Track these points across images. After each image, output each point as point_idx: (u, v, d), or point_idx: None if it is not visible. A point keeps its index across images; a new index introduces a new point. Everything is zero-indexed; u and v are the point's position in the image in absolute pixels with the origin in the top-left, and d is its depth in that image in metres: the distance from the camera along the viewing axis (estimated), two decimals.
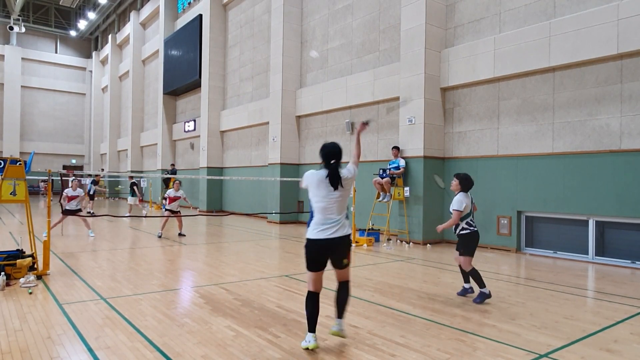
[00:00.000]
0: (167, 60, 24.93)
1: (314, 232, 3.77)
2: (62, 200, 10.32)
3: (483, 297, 5.38)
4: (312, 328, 3.80)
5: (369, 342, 4.04)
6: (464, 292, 5.74)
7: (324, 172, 3.81)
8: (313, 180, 3.82)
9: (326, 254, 3.82)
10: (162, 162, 25.49)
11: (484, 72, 9.96)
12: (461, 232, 5.55)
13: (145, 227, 13.82)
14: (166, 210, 11.53)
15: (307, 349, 3.78)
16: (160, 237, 11.15)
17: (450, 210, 5.52)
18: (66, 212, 10.51)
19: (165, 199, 11.77)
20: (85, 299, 5.32)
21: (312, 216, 3.82)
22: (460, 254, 5.61)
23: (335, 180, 3.75)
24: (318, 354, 3.73)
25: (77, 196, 10.84)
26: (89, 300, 5.30)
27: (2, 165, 6.54)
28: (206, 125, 20.55)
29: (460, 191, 5.56)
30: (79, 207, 11.05)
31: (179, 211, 11.65)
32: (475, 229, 5.57)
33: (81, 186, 11.50)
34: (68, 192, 10.69)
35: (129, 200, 17.67)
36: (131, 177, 18.54)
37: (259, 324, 4.51)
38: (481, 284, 5.42)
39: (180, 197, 11.35)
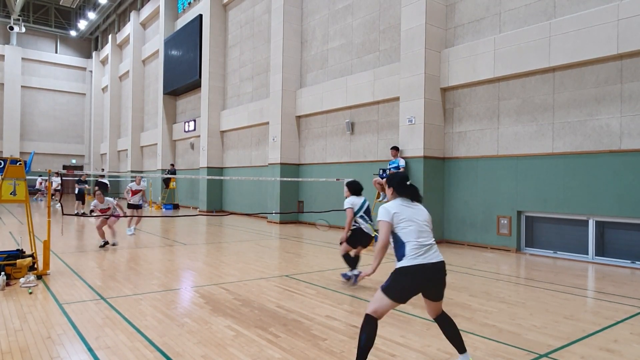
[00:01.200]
0: (167, 60, 24.93)
1: (411, 258, 3.18)
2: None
3: (346, 277, 6.40)
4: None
5: None
6: (346, 277, 6.47)
7: (404, 200, 3.41)
8: (400, 207, 3.36)
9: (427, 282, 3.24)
10: (162, 162, 25.49)
11: (484, 72, 9.96)
12: (352, 228, 6.41)
13: (146, 227, 13.81)
14: (129, 206, 11.54)
15: None
16: (132, 234, 10.95)
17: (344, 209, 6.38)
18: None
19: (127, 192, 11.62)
20: (86, 299, 5.32)
21: (401, 247, 3.27)
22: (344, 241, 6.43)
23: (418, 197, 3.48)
24: (318, 354, 3.73)
25: (140, 190, 11.54)
26: (89, 300, 5.30)
27: (2, 165, 6.55)
28: (206, 125, 20.55)
29: (351, 195, 6.46)
30: (140, 203, 11.85)
31: (141, 204, 11.49)
32: (359, 227, 6.35)
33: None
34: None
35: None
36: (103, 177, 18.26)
37: (259, 324, 4.51)
38: (352, 267, 6.37)
39: (142, 190, 11.27)
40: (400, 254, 3.22)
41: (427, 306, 3.37)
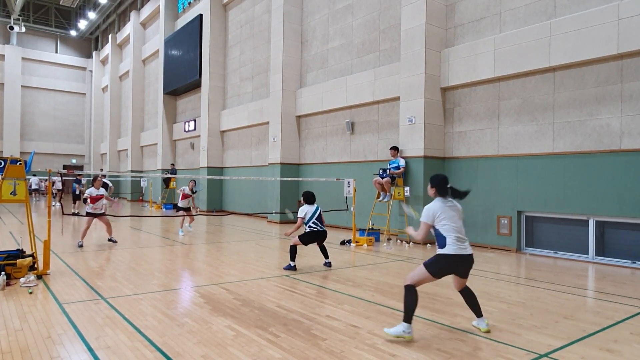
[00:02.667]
0: (167, 60, 24.93)
1: (450, 248, 4.17)
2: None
3: (289, 268, 7.30)
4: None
5: (369, 342, 4.04)
6: (288, 267, 7.36)
7: (445, 200, 4.28)
8: (442, 208, 4.25)
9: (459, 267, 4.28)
10: (162, 162, 25.49)
11: (484, 72, 9.96)
12: (305, 231, 7.42)
13: (146, 227, 13.82)
14: (179, 208, 11.60)
15: (405, 339, 4.04)
16: (80, 246, 9.40)
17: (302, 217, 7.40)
18: (179, 209, 11.50)
19: (85, 200, 9.93)
20: (86, 299, 5.32)
21: (442, 239, 4.21)
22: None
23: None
24: (318, 354, 3.73)
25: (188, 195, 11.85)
26: (89, 300, 5.30)
27: (2, 165, 6.55)
28: (206, 125, 20.56)
29: (305, 204, 7.46)
30: (189, 206, 12.23)
31: (104, 212, 9.75)
32: (310, 230, 7.34)
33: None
34: (185, 189, 11.78)
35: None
36: (104, 176, 17.99)
37: (259, 323, 4.51)
38: (291, 259, 7.33)
39: (102, 196, 9.68)
40: (441, 243, 4.20)
41: (455, 281, 4.40)
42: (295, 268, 7.30)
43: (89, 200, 9.53)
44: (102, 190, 9.69)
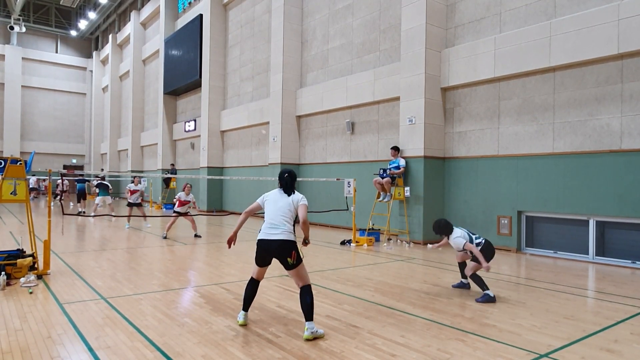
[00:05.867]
0: (167, 60, 24.93)
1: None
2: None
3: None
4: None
5: (369, 342, 4.04)
6: None
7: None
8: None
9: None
10: (162, 162, 25.50)
11: (485, 72, 9.96)
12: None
13: (146, 227, 13.81)
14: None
15: None
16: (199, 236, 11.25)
17: None
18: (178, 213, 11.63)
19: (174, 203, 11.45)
20: (86, 299, 5.32)
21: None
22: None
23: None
24: (318, 354, 3.73)
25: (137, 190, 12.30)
26: (90, 299, 5.30)
27: (2, 165, 6.55)
28: (206, 125, 20.55)
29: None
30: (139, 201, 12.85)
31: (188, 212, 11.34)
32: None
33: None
34: (130, 186, 12.22)
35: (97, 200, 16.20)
36: (102, 178, 18.06)
37: (259, 324, 4.51)
38: None
39: (189, 202, 11.21)
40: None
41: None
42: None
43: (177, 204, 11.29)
44: (191, 196, 11.26)
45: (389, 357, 3.70)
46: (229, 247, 4.48)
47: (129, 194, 13.63)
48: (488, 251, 5.77)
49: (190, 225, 11.72)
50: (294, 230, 4.37)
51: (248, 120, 18.54)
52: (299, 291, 4.25)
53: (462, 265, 6.21)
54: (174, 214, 11.36)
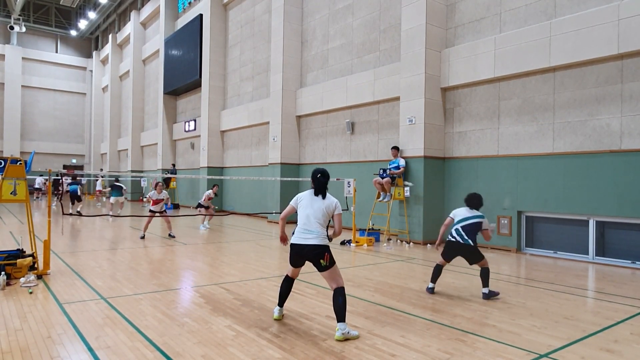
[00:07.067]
0: (167, 60, 24.93)
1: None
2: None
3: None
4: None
5: (369, 342, 4.04)
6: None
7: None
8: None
9: None
10: (162, 162, 25.49)
11: (485, 72, 9.96)
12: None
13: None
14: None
15: None
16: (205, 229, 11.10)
17: None
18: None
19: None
20: (86, 299, 5.32)
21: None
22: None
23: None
24: (318, 354, 3.73)
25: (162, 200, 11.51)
26: (89, 299, 5.30)
27: (2, 164, 6.54)
28: (206, 125, 20.55)
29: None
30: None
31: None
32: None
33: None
34: (152, 195, 11.45)
35: (112, 200, 16.70)
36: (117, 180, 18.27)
37: (259, 324, 4.51)
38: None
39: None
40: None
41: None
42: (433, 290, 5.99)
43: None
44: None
45: (389, 357, 3.70)
46: (285, 244, 4.72)
47: (151, 203, 11.41)
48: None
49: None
50: (327, 234, 4.45)
51: (248, 120, 18.54)
52: (331, 293, 4.28)
53: (438, 270, 5.91)
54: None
